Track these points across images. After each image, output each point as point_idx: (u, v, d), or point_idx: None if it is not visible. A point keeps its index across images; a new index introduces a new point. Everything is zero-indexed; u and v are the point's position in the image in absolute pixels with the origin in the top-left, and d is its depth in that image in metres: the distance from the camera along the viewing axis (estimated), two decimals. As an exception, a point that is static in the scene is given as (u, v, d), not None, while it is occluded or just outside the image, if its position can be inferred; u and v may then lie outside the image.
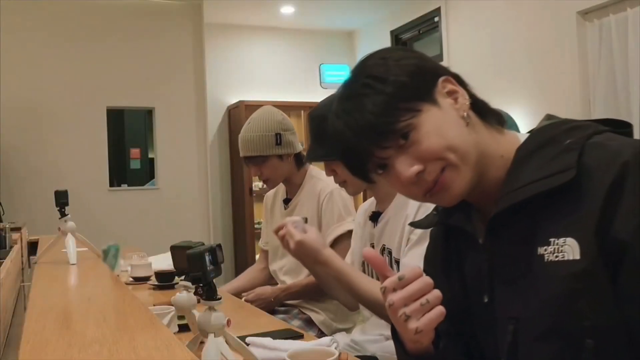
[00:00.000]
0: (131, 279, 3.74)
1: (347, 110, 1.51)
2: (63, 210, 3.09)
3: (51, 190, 3.19)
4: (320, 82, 10.86)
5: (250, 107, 9.51)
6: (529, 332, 1.41)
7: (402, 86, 1.48)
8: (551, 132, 1.49)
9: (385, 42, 10.22)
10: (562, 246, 1.37)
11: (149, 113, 9.49)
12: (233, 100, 10.22)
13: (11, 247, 2.99)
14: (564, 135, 1.46)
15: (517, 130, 2.82)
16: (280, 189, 3.89)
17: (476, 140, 1.51)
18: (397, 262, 2.50)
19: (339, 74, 10.91)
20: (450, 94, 1.54)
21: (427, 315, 1.40)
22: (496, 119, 1.61)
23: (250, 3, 9.45)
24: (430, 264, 1.74)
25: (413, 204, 2.44)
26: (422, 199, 1.53)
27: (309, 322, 3.51)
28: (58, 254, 3.17)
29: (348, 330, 3.21)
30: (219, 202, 10.10)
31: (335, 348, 1.95)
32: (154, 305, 2.85)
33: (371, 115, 1.46)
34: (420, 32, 9.69)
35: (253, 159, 3.65)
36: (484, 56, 8.19)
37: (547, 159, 1.43)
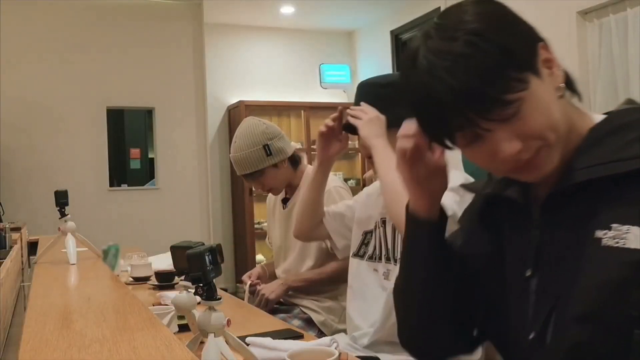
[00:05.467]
0: (131, 279, 3.74)
1: (450, 70, 1.33)
2: (63, 210, 3.09)
3: (51, 190, 3.19)
4: (320, 82, 10.87)
5: (250, 107, 9.56)
6: (568, 311, 1.36)
7: (511, 52, 1.35)
8: (629, 117, 1.43)
9: (385, 42, 10.24)
10: (624, 233, 1.30)
11: (149, 113, 9.50)
12: (233, 100, 10.23)
13: (11, 247, 2.99)
14: None
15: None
16: None
17: (566, 115, 1.43)
18: None
19: (339, 74, 10.93)
20: (546, 62, 1.43)
21: None
22: (577, 91, 1.52)
23: (250, 3, 9.45)
24: (468, 216, 1.72)
25: None
26: (504, 174, 1.47)
27: (309, 322, 3.51)
28: (58, 254, 3.17)
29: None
30: (219, 202, 10.10)
31: (336, 348, 1.95)
32: (153, 305, 2.85)
33: (481, 81, 1.31)
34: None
35: (250, 175, 3.68)
36: (484, 56, 8.14)
37: (619, 143, 1.37)
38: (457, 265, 1.62)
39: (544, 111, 1.35)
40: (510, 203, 1.55)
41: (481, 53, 1.31)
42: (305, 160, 3.96)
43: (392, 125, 2.51)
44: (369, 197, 2.89)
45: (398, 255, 2.58)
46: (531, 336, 1.43)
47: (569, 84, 1.47)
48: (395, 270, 2.56)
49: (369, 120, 2.53)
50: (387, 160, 2.42)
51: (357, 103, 2.65)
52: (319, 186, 2.93)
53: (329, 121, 2.72)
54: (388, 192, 2.41)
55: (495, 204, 1.61)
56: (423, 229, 1.59)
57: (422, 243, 1.61)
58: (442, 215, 1.60)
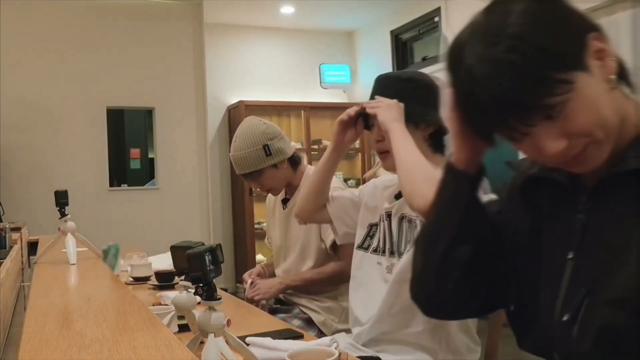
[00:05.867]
0: (131, 279, 3.74)
1: (490, 77, 1.30)
2: (63, 210, 3.09)
3: (51, 191, 3.19)
4: (320, 82, 10.87)
5: (250, 107, 9.58)
6: (602, 295, 1.32)
7: (555, 52, 1.28)
8: None
9: (385, 42, 10.23)
10: None
11: (148, 113, 9.50)
12: (233, 100, 10.24)
13: (11, 247, 2.99)
14: None
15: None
16: None
17: (618, 107, 1.36)
18: None
19: (339, 74, 10.92)
20: (598, 53, 1.34)
21: None
22: (631, 83, 1.45)
23: (250, 3, 9.45)
24: (508, 191, 1.70)
25: None
26: (553, 165, 1.42)
27: (309, 322, 3.51)
28: (58, 254, 3.18)
29: (348, 331, 3.22)
30: (219, 202, 10.09)
31: (336, 348, 1.94)
32: (153, 305, 2.85)
33: (522, 88, 1.27)
34: (420, 32, 9.67)
35: (249, 175, 3.67)
36: (484, 56, 8.14)
37: None
38: (488, 228, 1.61)
39: (591, 108, 1.31)
40: (554, 185, 1.51)
41: (522, 58, 1.27)
42: (305, 160, 3.95)
43: (410, 119, 2.53)
44: (376, 189, 2.90)
45: (403, 249, 2.59)
46: (565, 318, 1.40)
47: (623, 75, 1.42)
48: (398, 264, 2.57)
49: (387, 105, 2.54)
50: (404, 142, 2.43)
51: (373, 96, 2.66)
52: (328, 169, 2.93)
53: (351, 111, 2.73)
54: (404, 173, 2.40)
55: (538, 184, 1.57)
56: (458, 179, 1.59)
57: (456, 193, 1.60)
58: (480, 173, 1.59)
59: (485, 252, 1.59)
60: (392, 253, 2.66)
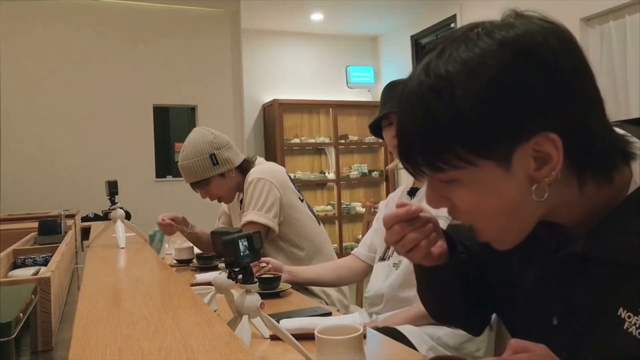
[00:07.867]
0: (175, 262, 3.74)
1: (409, 104, 1.08)
2: (113, 199, 3.09)
3: (102, 181, 3.19)
4: (347, 82, 10.88)
5: (283, 105, 9.62)
6: None
7: (475, 128, 1.01)
8: None
9: (406, 46, 10.21)
10: None
11: (192, 110, 9.53)
12: (268, 98, 10.25)
13: (66, 232, 2.99)
14: None
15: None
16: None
17: (542, 209, 1.11)
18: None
19: (364, 75, 10.94)
20: (539, 155, 1.03)
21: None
22: (606, 173, 1.10)
23: (283, 10, 9.47)
24: None
25: None
26: None
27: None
28: (108, 239, 3.19)
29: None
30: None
31: (360, 324, 1.93)
32: (192, 285, 2.85)
33: (419, 138, 1.07)
34: (438, 37, 9.60)
35: (197, 184, 3.56)
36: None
37: None
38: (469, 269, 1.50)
39: (480, 202, 1.08)
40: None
41: (440, 112, 1.03)
42: (258, 160, 3.74)
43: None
44: (388, 206, 2.90)
45: None
46: None
47: (584, 168, 1.08)
48: (405, 260, 2.56)
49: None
50: None
51: (392, 99, 2.59)
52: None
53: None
54: None
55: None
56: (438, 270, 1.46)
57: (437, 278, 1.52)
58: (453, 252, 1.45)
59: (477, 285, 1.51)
60: None
